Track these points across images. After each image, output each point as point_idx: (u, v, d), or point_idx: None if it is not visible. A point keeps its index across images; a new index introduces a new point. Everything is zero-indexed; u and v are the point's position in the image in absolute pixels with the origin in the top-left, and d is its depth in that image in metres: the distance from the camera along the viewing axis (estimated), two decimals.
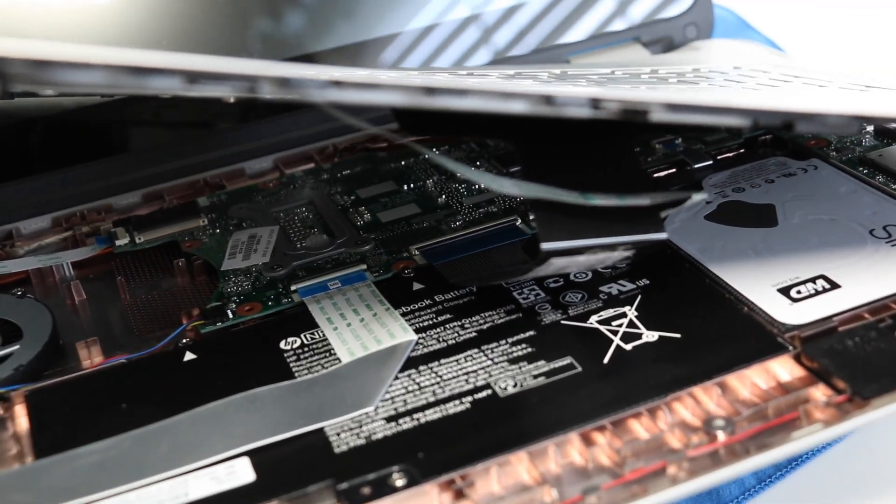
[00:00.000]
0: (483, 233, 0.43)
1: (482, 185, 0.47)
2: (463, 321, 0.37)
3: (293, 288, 0.40)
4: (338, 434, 0.32)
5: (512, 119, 0.33)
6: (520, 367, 0.34)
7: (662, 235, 0.35)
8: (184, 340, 0.38)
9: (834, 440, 0.39)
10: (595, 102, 0.30)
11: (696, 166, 0.47)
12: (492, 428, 0.32)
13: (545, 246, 0.33)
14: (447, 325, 0.37)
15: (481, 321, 0.37)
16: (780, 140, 0.48)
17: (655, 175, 0.46)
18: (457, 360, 0.35)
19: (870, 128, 0.47)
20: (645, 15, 0.59)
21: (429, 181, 0.48)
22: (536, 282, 0.39)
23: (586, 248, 0.34)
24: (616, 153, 0.36)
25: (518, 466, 0.31)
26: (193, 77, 0.27)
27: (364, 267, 0.41)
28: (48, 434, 0.34)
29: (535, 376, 0.34)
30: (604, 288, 0.38)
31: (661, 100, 0.31)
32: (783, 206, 0.42)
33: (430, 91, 0.29)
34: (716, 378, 0.33)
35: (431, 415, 0.33)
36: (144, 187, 0.50)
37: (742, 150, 0.48)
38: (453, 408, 0.33)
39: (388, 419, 0.33)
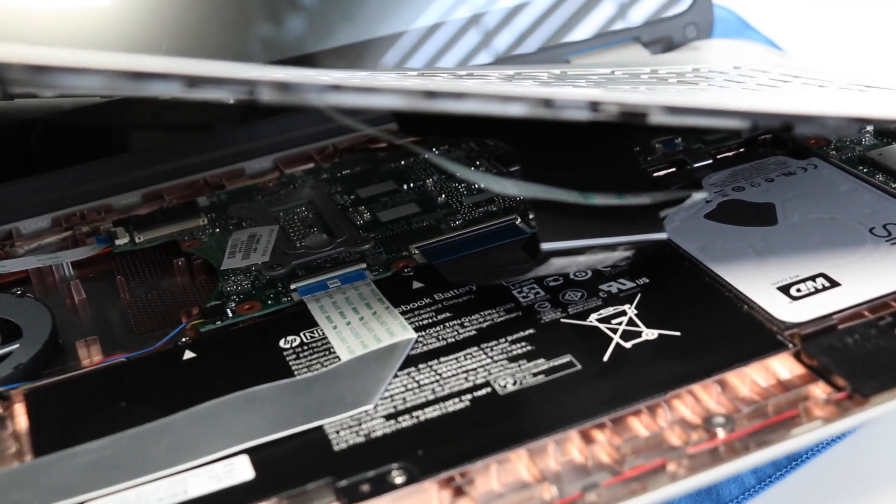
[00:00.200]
0: (482, 232, 0.43)
1: (482, 186, 0.47)
2: (462, 320, 0.37)
3: (293, 287, 0.40)
4: (337, 432, 0.32)
5: (512, 121, 0.33)
6: (519, 366, 0.34)
7: (662, 235, 0.35)
8: (183, 339, 0.38)
9: (834, 439, 0.39)
10: (594, 105, 0.31)
11: (696, 165, 0.47)
12: (491, 425, 0.32)
13: (545, 246, 0.33)
14: (447, 324, 0.37)
15: (481, 320, 0.37)
16: (779, 139, 0.48)
17: (655, 174, 0.46)
18: (456, 359, 0.35)
19: (870, 127, 0.47)
20: (645, 15, 0.59)
21: (428, 181, 0.48)
22: (536, 280, 0.39)
23: (586, 248, 0.34)
24: (615, 153, 0.37)
25: (518, 464, 0.31)
26: (192, 81, 0.27)
27: (364, 266, 0.41)
28: (47, 432, 0.34)
29: (535, 374, 0.34)
30: (603, 286, 0.38)
31: (659, 102, 0.31)
32: (783, 205, 0.42)
33: (430, 94, 0.29)
34: (715, 376, 0.33)
35: (431, 413, 0.33)
36: (144, 187, 0.50)
37: (742, 150, 0.48)
38: (453, 406, 0.33)
39: (388, 417, 0.33)
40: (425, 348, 0.36)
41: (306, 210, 0.47)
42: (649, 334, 0.35)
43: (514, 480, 0.30)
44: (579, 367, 0.34)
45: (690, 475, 0.29)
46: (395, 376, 0.34)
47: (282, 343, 0.37)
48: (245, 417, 0.33)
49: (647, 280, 0.38)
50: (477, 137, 0.50)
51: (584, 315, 0.36)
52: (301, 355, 0.36)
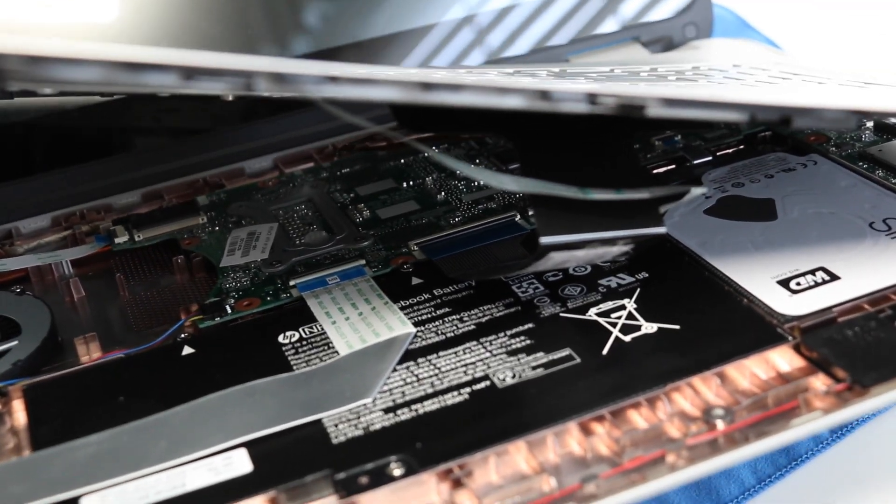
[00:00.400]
0: (482, 228, 0.43)
1: (481, 182, 0.47)
2: (462, 314, 0.37)
3: (292, 283, 0.40)
4: (336, 425, 0.32)
5: (510, 116, 0.33)
6: (518, 359, 0.34)
7: (662, 230, 0.35)
8: (182, 335, 0.38)
9: (834, 439, 0.39)
10: (592, 98, 0.30)
11: (696, 162, 0.47)
12: (490, 418, 0.32)
13: (544, 240, 0.33)
14: (446, 319, 0.37)
15: (480, 314, 0.37)
16: (779, 136, 0.48)
17: (655, 171, 0.46)
18: (455, 353, 0.35)
19: (869, 123, 0.47)
20: (644, 15, 0.59)
21: (428, 178, 0.48)
22: (535, 275, 0.39)
23: (585, 243, 0.34)
24: (615, 150, 0.36)
25: (516, 456, 0.30)
26: (189, 73, 0.27)
27: (363, 262, 0.41)
28: (46, 427, 0.34)
29: (534, 367, 0.34)
30: (603, 281, 0.38)
31: (657, 95, 0.31)
32: (783, 201, 0.42)
33: (427, 87, 0.29)
34: (715, 368, 0.33)
35: (430, 406, 0.32)
36: (144, 187, 0.50)
37: (741, 147, 0.48)
38: (451, 399, 0.33)
39: (387, 410, 0.32)
40: (424, 343, 0.36)
41: (306, 208, 0.47)
42: (649, 328, 0.35)
43: (513, 472, 0.30)
44: (578, 360, 0.34)
45: (690, 466, 0.29)
46: (394, 370, 0.34)
47: (280, 338, 0.37)
48: (244, 411, 0.33)
49: (647, 275, 0.38)
50: (476, 134, 0.50)
51: (584, 309, 0.36)
52: (300, 350, 0.36)
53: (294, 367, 0.35)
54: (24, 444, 0.33)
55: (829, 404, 0.31)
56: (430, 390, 0.33)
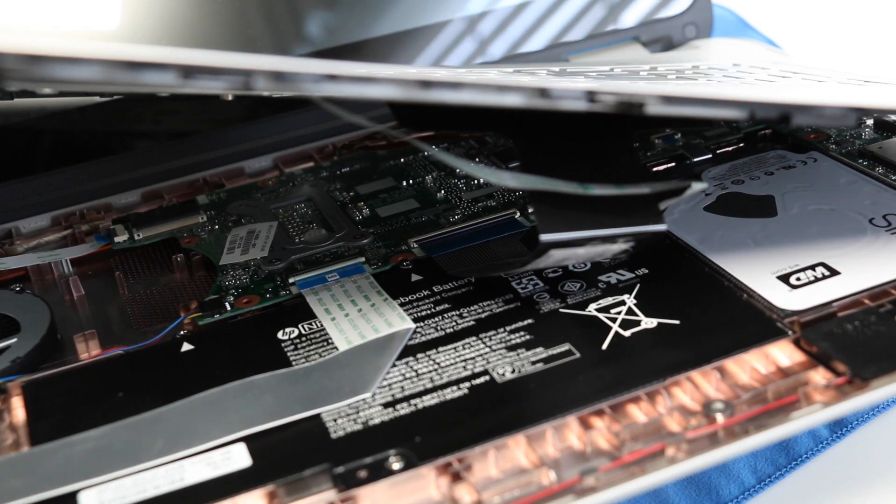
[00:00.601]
0: (482, 226, 0.43)
1: (482, 180, 0.47)
2: (461, 310, 0.37)
3: (291, 281, 0.40)
4: (335, 420, 0.32)
5: (510, 115, 0.33)
6: (518, 354, 0.34)
7: (662, 227, 0.34)
8: (181, 332, 0.38)
9: (834, 439, 0.39)
10: (591, 95, 0.30)
11: (696, 160, 0.47)
12: (489, 412, 0.32)
13: (544, 237, 0.33)
14: (445, 315, 0.37)
15: (479, 310, 0.37)
16: (779, 134, 0.48)
17: (655, 170, 0.46)
18: (455, 348, 0.35)
19: (869, 121, 0.47)
20: (644, 14, 0.59)
21: (428, 177, 0.48)
22: (535, 272, 0.38)
23: (585, 240, 0.34)
24: (615, 149, 0.36)
25: (516, 450, 0.30)
26: (188, 72, 0.27)
27: (362, 259, 0.41)
28: (44, 424, 0.33)
29: (534, 362, 0.34)
30: (602, 277, 0.38)
31: (656, 92, 0.31)
32: (783, 197, 0.42)
33: (426, 85, 0.29)
34: (715, 363, 0.32)
35: (429, 400, 0.32)
36: (144, 186, 0.50)
37: (741, 145, 0.48)
38: (451, 393, 0.33)
39: (386, 405, 0.32)
40: (424, 338, 0.36)
41: (305, 207, 0.47)
42: (648, 323, 0.35)
43: (513, 466, 0.30)
44: (578, 355, 0.34)
45: (689, 459, 0.29)
46: (394, 365, 0.34)
47: (280, 335, 0.37)
48: (243, 406, 0.33)
49: (647, 271, 0.38)
50: (476, 133, 0.49)
51: (583, 305, 0.36)
52: (299, 346, 0.36)
53: (293, 363, 0.35)
54: (22, 441, 0.33)
55: (829, 398, 0.31)
56: (429, 385, 0.33)
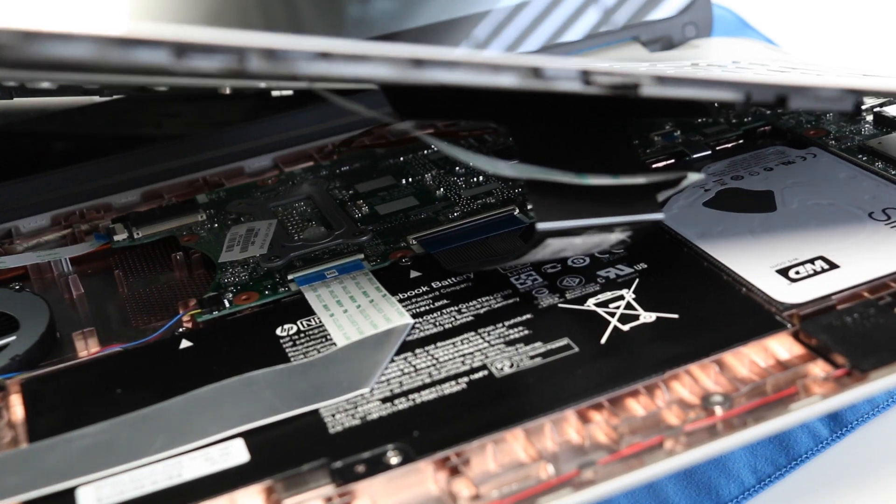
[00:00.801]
0: (480, 222, 0.43)
1: (480, 173, 0.47)
2: (460, 306, 0.37)
3: (290, 277, 0.40)
4: (333, 415, 0.32)
5: (507, 102, 0.32)
6: (516, 349, 0.34)
7: (659, 216, 0.34)
8: (180, 329, 0.38)
9: (833, 439, 0.39)
10: (585, 76, 0.30)
11: (695, 157, 0.46)
12: (487, 407, 0.31)
13: (541, 226, 0.33)
14: (444, 311, 0.37)
15: (478, 306, 0.37)
16: (778, 130, 0.48)
17: (654, 166, 0.46)
18: (453, 343, 0.35)
19: (869, 117, 0.47)
20: (644, 14, 0.59)
21: (427, 175, 0.48)
22: (534, 267, 0.38)
23: (582, 229, 0.34)
24: (612, 139, 0.36)
25: (514, 444, 0.30)
26: (181, 49, 0.27)
27: (361, 256, 0.41)
28: (43, 421, 0.33)
29: (532, 357, 0.34)
30: (601, 272, 0.38)
31: (651, 72, 0.31)
32: (782, 192, 0.42)
33: (418, 63, 0.29)
34: (713, 356, 0.32)
35: (427, 395, 0.32)
36: (144, 186, 0.50)
37: (741, 141, 0.47)
38: (449, 388, 0.33)
39: (384, 400, 0.32)
40: (422, 334, 0.35)
41: (305, 205, 0.47)
42: (647, 317, 0.35)
43: (511, 460, 0.30)
44: (576, 349, 0.34)
45: (687, 451, 0.29)
46: (392, 361, 0.34)
47: (278, 331, 0.37)
48: (241, 402, 0.33)
49: (645, 265, 0.38)
50: (472, 120, 0.49)
51: (582, 300, 0.36)
52: (298, 342, 0.36)
53: (291, 359, 0.35)
54: (21, 438, 0.33)
55: (828, 390, 0.30)
56: (427, 380, 0.33)
